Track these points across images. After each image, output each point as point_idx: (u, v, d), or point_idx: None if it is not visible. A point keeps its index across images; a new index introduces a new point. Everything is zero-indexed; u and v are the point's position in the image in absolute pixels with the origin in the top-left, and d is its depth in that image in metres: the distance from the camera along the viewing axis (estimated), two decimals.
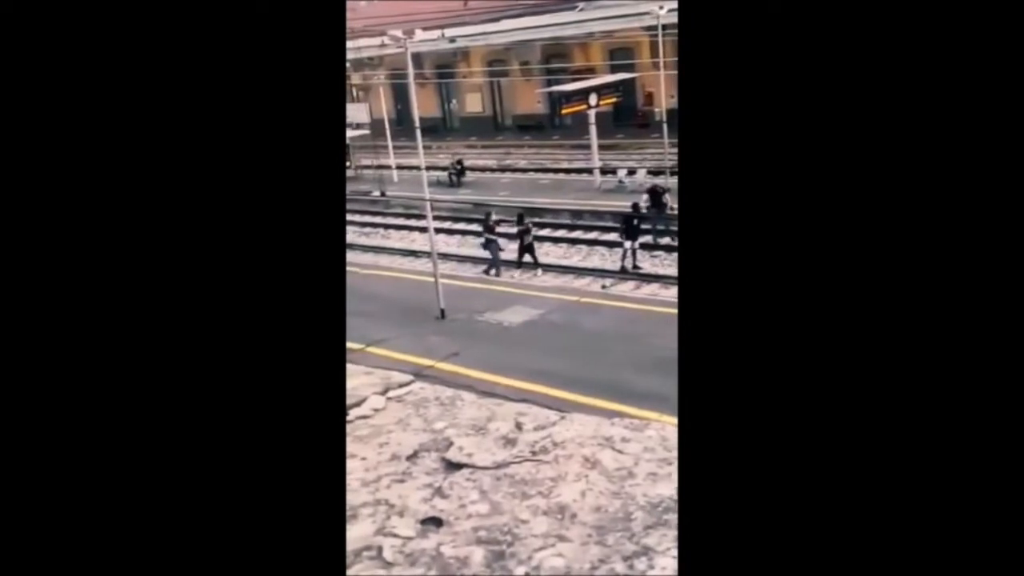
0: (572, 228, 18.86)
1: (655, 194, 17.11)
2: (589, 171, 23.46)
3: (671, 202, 16.71)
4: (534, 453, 1.94)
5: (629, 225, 15.89)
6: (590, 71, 29.26)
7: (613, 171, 22.33)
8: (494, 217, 16.83)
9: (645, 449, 1.93)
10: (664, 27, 21.92)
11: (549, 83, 29.78)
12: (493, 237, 16.44)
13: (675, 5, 22.36)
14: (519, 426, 2.03)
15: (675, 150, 22.54)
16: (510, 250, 16.69)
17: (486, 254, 16.53)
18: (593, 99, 22.31)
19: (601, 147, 23.66)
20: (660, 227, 16.85)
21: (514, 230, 16.85)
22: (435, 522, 1.73)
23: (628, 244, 15.79)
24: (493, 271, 16.16)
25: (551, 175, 25.39)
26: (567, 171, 25.68)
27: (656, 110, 26.33)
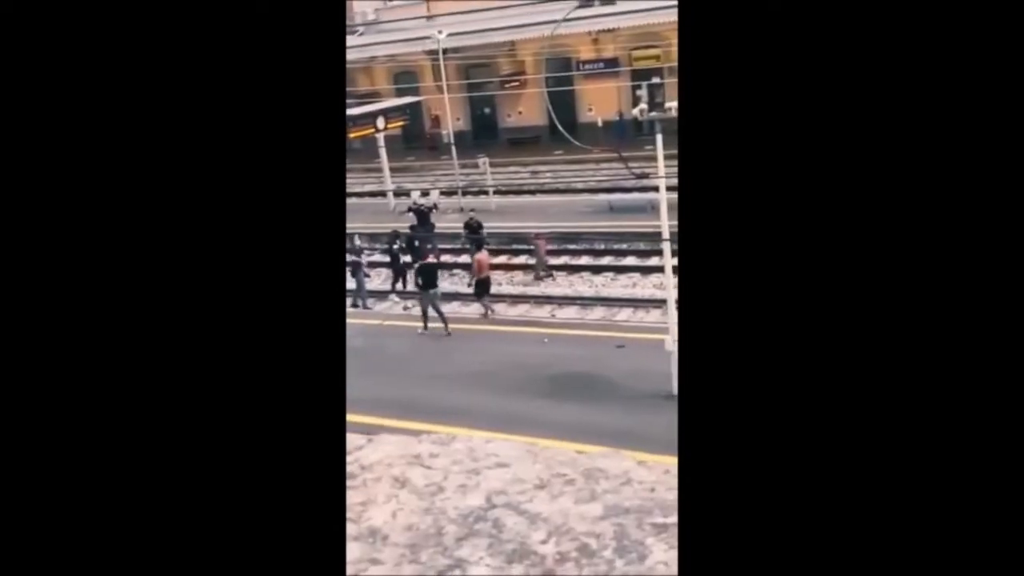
0: (371, 251, 18.69)
1: (421, 214, 17.53)
2: (383, 194, 23.38)
3: (435, 220, 17.33)
4: None
5: (412, 247, 16.04)
6: (375, 95, 29.22)
7: (407, 193, 22.42)
8: (358, 243, 15.71)
9: (453, 462, 1.95)
10: (444, 51, 22.37)
11: None
12: (360, 263, 15.22)
13: (453, 30, 22.93)
14: None
15: (465, 171, 23.09)
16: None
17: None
18: (380, 122, 22.29)
19: (393, 170, 23.69)
20: (429, 246, 17.12)
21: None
22: None
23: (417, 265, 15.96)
24: (360, 303, 15.17)
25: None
26: (360, 195, 25.43)
27: (443, 132, 26.78)
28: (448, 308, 14.11)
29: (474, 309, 14.28)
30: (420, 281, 13.00)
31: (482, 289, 13.52)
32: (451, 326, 12.61)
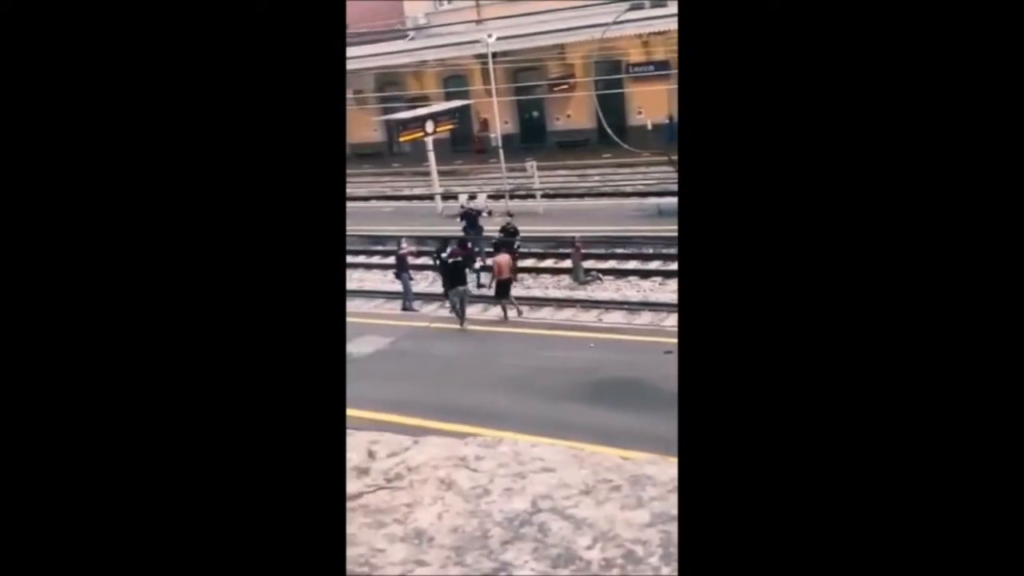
0: (418, 254, 18.85)
1: (470, 217, 17.64)
2: (431, 197, 23.56)
3: (484, 223, 17.55)
4: (388, 480, 1.90)
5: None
6: (425, 99, 29.48)
7: (455, 196, 22.54)
8: (404, 245, 15.84)
9: (499, 465, 1.94)
10: (494, 55, 22.45)
11: (385, 111, 29.73)
12: (406, 266, 15.38)
13: (502, 33, 22.98)
14: (371, 455, 1.99)
15: (512, 174, 23.12)
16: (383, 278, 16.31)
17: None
18: (430, 126, 22.48)
19: (441, 173, 23.83)
20: (477, 248, 17.22)
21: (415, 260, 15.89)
22: None
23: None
24: (407, 305, 15.26)
25: (392, 203, 25.27)
26: (408, 198, 25.65)
27: (491, 136, 26.87)
28: (495, 312, 14.15)
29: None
30: (447, 279, 13.16)
31: (503, 291, 13.60)
32: (498, 329, 12.66)
